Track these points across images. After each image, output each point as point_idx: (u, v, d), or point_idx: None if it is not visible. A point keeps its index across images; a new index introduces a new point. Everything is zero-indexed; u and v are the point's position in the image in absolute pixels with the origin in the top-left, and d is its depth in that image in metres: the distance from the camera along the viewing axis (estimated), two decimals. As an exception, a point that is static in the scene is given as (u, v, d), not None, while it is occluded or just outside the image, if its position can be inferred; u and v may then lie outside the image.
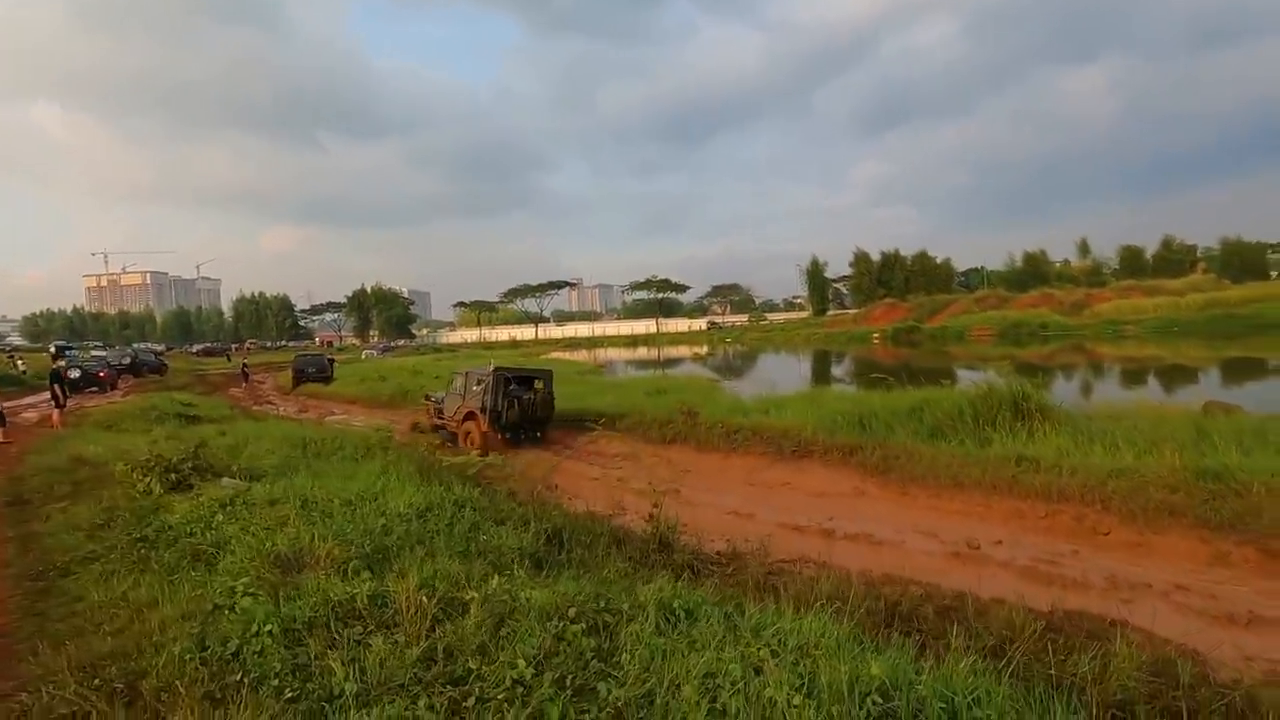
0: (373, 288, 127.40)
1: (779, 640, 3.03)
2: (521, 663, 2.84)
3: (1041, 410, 9.61)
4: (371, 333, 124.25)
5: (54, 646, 3.47)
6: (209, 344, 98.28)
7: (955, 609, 4.28)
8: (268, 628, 3.22)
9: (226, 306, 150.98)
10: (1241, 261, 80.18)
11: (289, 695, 2.74)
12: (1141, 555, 5.54)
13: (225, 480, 6.59)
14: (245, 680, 2.83)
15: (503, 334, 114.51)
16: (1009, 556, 5.77)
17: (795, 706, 2.44)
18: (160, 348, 69.60)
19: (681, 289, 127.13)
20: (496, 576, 3.82)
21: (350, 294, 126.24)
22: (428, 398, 15.48)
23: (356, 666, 2.88)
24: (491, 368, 13.11)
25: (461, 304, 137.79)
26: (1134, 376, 22.93)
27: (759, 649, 2.91)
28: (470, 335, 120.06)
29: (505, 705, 2.60)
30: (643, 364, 46.17)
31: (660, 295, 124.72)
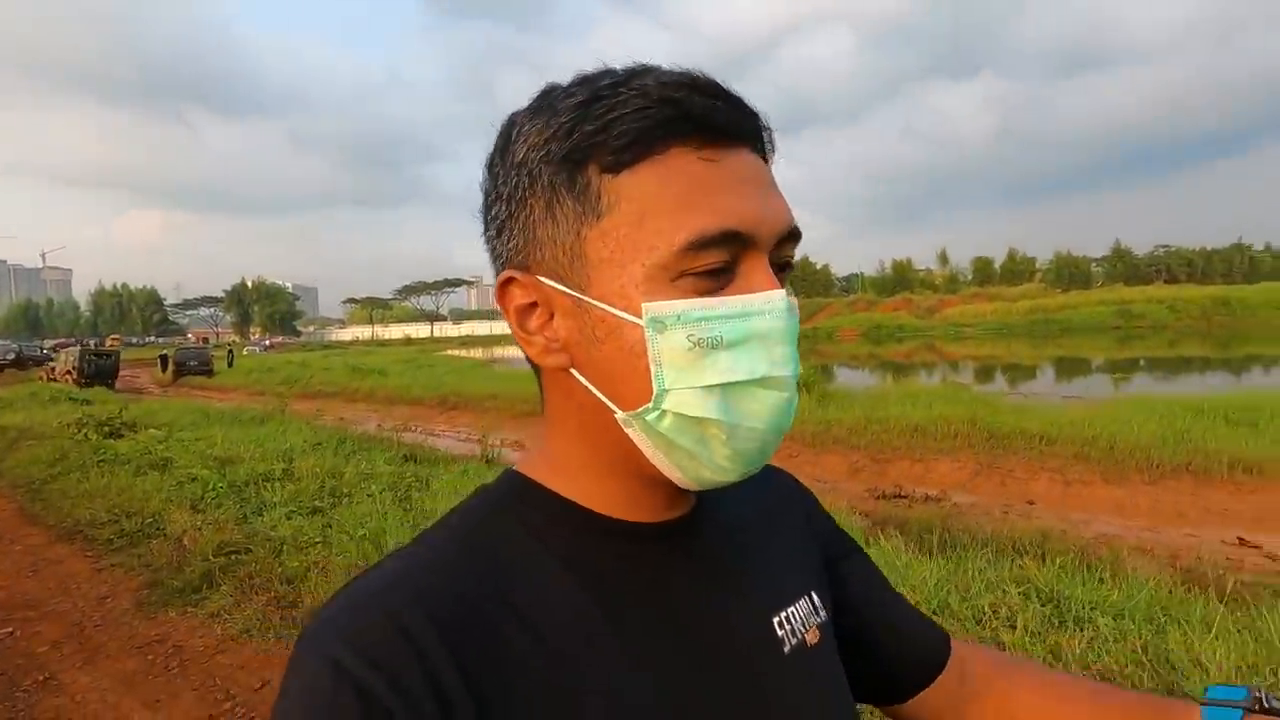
0: (254, 282, 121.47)
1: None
2: (375, 488, 5.23)
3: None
4: (252, 329, 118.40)
5: (70, 509, 5.46)
6: (63, 339, 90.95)
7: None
8: (219, 485, 5.41)
9: (81, 299, 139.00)
10: (1070, 273, 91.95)
11: (238, 505, 4.99)
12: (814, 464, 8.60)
13: (152, 431, 8.39)
14: (214, 502, 5.04)
15: (396, 332, 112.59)
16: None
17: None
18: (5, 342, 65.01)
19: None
20: (363, 462, 6.15)
21: (228, 288, 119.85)
22: (50, 365, 27.19)
23: (280, 496, 5.15)
24: (78, 347, 26.06)
25: (352, 300, 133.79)
26: (932, 368, 27.53)
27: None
28: (362, 333, 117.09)
29: (369, 501, 4.97)
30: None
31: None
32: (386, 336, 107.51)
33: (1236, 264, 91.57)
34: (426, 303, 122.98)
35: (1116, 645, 2.43)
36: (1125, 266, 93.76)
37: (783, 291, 0.42)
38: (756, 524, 0.57)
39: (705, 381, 0.41)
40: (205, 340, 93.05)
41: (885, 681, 0.62)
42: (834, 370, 24.76)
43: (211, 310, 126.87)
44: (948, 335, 52.42)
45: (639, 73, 0.42)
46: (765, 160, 0.46)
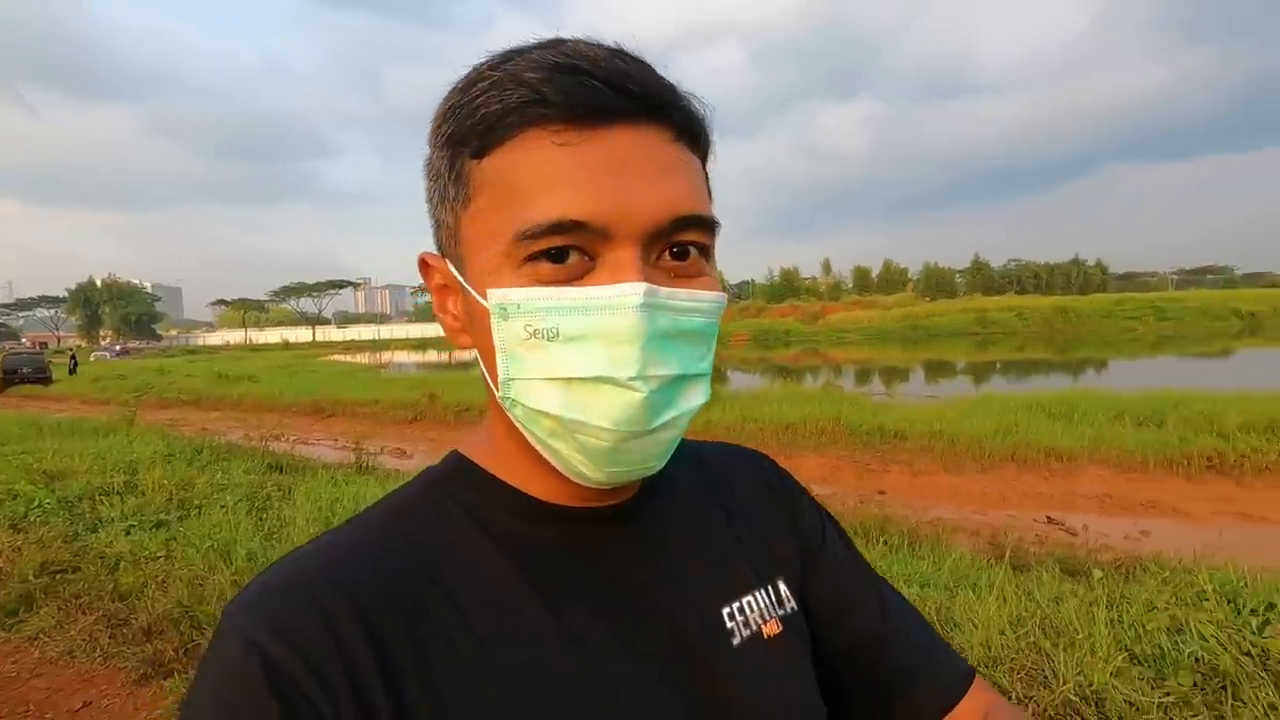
0: (104, 280, 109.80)
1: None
2: (230, 499, 4.96)
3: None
4: (103, 333, 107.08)
5: None
6: None
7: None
8: (47, 501, 4.93)
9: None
10: (937, 282, 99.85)
11: (69, 522, 4.58)
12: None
13: (-33, 445, 7.46)
14: (39, 519, 4.59)
15: (274, 336, 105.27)
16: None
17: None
18: None
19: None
20: (220, 473, 5.80)
21: (73, 287, 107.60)
22: None
23: (119, 510, 4.77)
24: None
25: (222, 302, 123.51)
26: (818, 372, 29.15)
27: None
28: (234, 337, 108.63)
29: (222, 511, 4.70)
30: (429, 366, 46.56)
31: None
32: (262, 341, 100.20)
33: (1074, 277, 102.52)
34: (308, 305, 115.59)
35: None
36: (983, 278, 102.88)
37: (639, 286, 0.37)
38: (714, 511, 0.54)
39: (540, 374, 0.39)
40: (42, 345, 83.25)
41: (862, 707, 0.55)
42: (726, 374, 25.70)
43: (52, 312, 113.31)
44: (830, 340, 55.50)
45: (520, 52, 0.40)
46: (690, 139, 0.43)
